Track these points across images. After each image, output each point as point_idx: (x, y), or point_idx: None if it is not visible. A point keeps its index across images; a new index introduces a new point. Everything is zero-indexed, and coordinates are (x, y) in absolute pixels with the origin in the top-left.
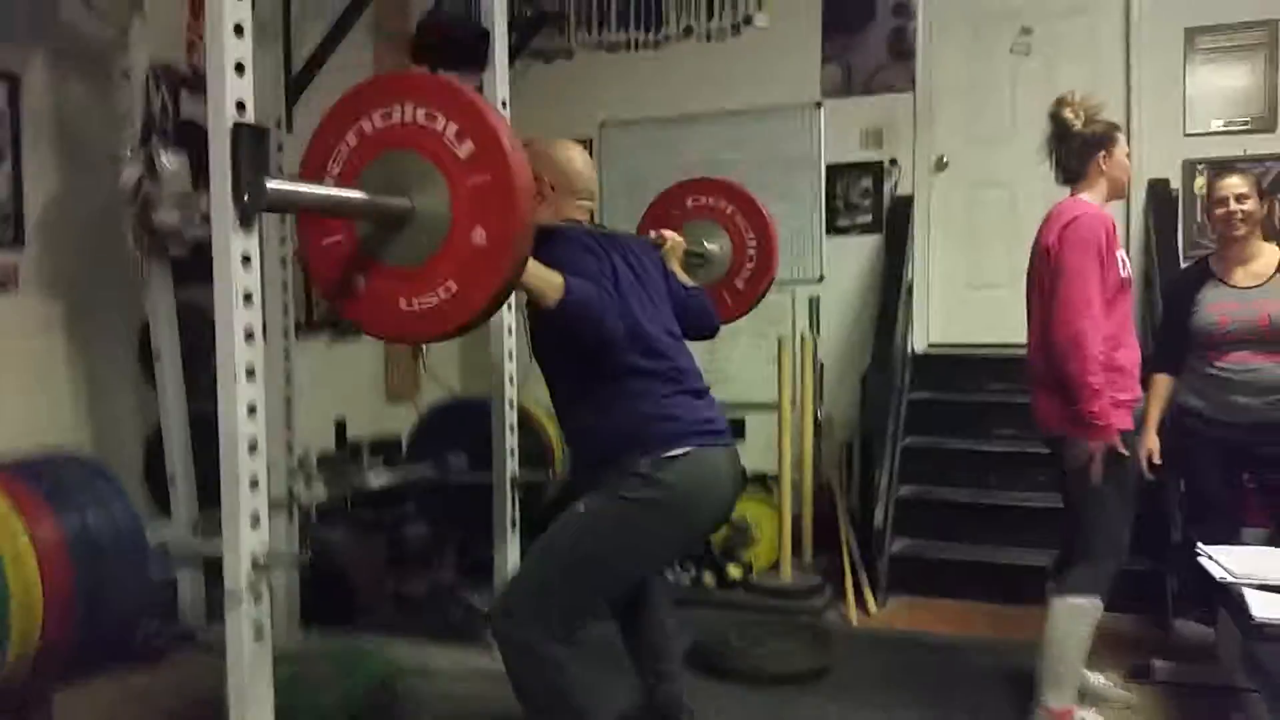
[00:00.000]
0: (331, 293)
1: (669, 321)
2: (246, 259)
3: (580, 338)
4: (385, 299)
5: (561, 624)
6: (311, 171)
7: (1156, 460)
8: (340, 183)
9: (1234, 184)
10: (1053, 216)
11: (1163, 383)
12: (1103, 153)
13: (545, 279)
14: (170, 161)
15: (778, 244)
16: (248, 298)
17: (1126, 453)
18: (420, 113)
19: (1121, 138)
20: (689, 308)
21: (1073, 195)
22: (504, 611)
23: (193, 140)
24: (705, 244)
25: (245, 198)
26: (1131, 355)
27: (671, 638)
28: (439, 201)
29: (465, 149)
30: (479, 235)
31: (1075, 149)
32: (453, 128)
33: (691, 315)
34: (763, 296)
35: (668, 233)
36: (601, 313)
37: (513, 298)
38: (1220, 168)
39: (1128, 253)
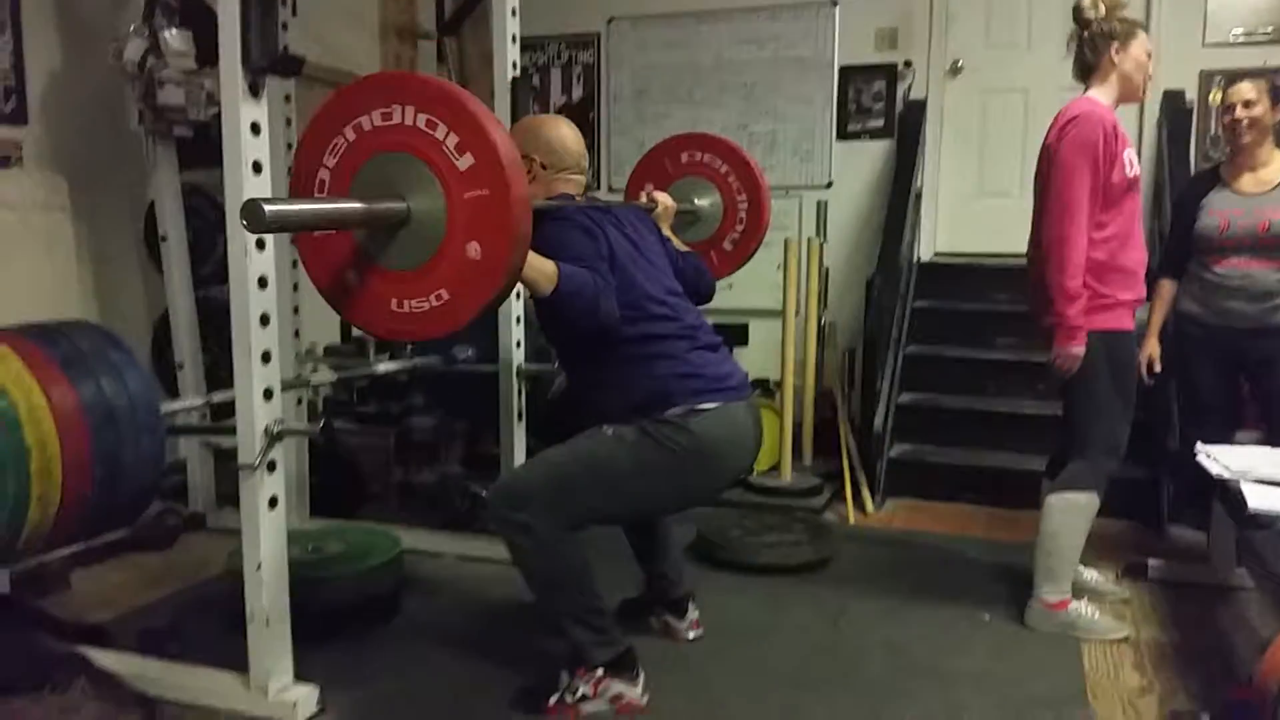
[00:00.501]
0: (325, 289)
1: (671, 282)
2: (255, 127)
3: (577, 326)
4: (378, 299)
5: (567, 523)
6: (306, 160)
7: (1157, 367)
8: (334, 174)
9: (1243, 89)
10: (1058, 115)
11: (1167, 288)
12: (1116, 44)
13: (539, 270)
14: (174, 38)
15: (769, 207)
16: (257, 167)
17: (1125, 353)
18: (422, 118)
19: (1142, 36)
20: (685, 272)
21: (1085, 93)
22: (508, 496)
23: (197, 17)
24: (695, 200)
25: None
26: (1136, 255)
27: (673, 543)
28: (435, 208)
29: (465, 161)
30: (473, 249)
31: (1090, 41)
32: (454, 138)
33: (688, 280)
34: (749, 258)
35: (659, 195)
36: (595, 299)
37: None
38: (1235, 77)
39: (1140, 160)
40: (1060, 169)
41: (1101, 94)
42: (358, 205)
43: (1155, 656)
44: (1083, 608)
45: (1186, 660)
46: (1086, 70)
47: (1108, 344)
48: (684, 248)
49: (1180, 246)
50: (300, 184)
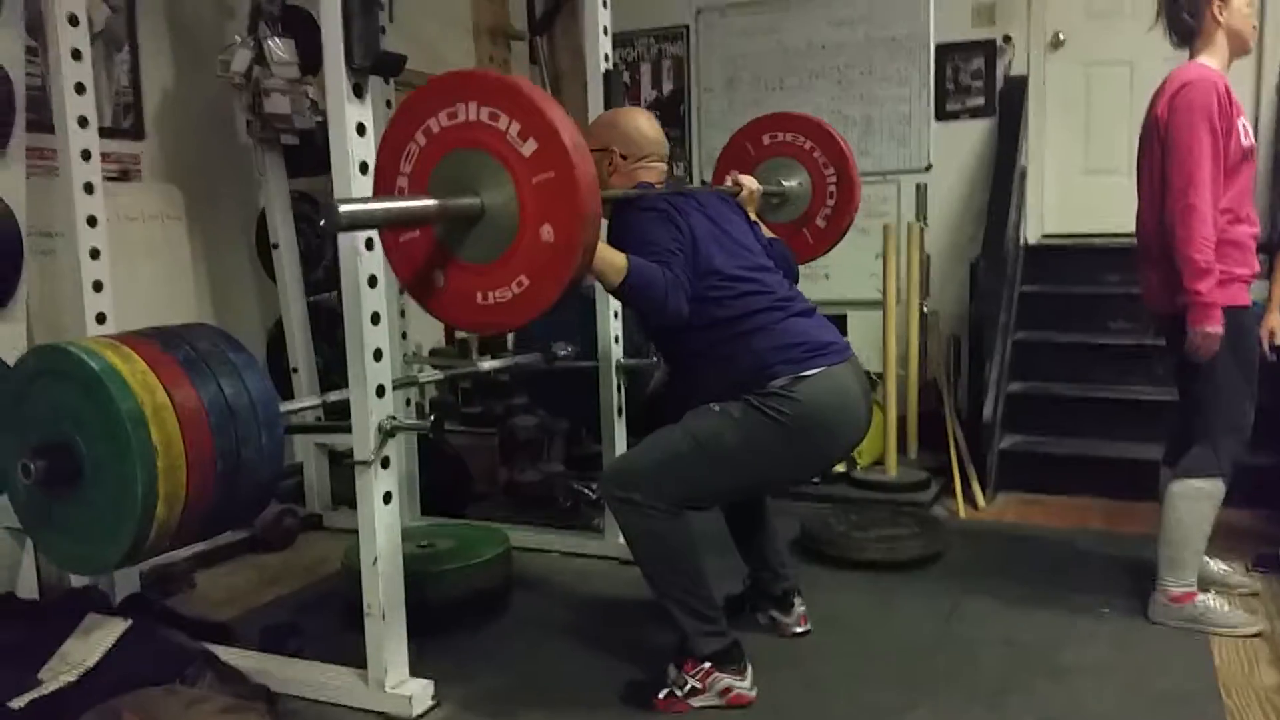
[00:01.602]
0: (412, 288)
1: (761, 258)
2: (361, 128)
3: (646, 318)
4: (463, 293)
5: (678, 499)
6: (384, 169)
7: (1279, 341)
8: (412, 180)
9: None
10: (1165, 84)
11: None
12: (1218, 1)
13: (609, 262)
14: (279, 47)
15: (859, 180)
16: (364, 167)
17: (1243, 330)
18: (484, 112)
19: None
20: (771, 257)
21: (1191, 59)
22: (613, 474)
23: (300, 27)
24: (783, 182)
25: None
26: (1249, 229)
27: (777, 536)
28: (507, 199)
29: (529, 147)
30: (547, 232)
31: (1186, 3)
32: (515, 126)
33: (775, 264)
34: (844, 235)
35: (743, 178)
36: (664, 295)
37: None
38: None
39: (1257, 128)
40: (1178, 138)
41: (1210, 57)
42: (431, 202)
43: None
44: (1211, 600)
45: None
46: (1188, 34)
47: (1226, 320)
48: (769, 234)
49: None
50: (381, 190)
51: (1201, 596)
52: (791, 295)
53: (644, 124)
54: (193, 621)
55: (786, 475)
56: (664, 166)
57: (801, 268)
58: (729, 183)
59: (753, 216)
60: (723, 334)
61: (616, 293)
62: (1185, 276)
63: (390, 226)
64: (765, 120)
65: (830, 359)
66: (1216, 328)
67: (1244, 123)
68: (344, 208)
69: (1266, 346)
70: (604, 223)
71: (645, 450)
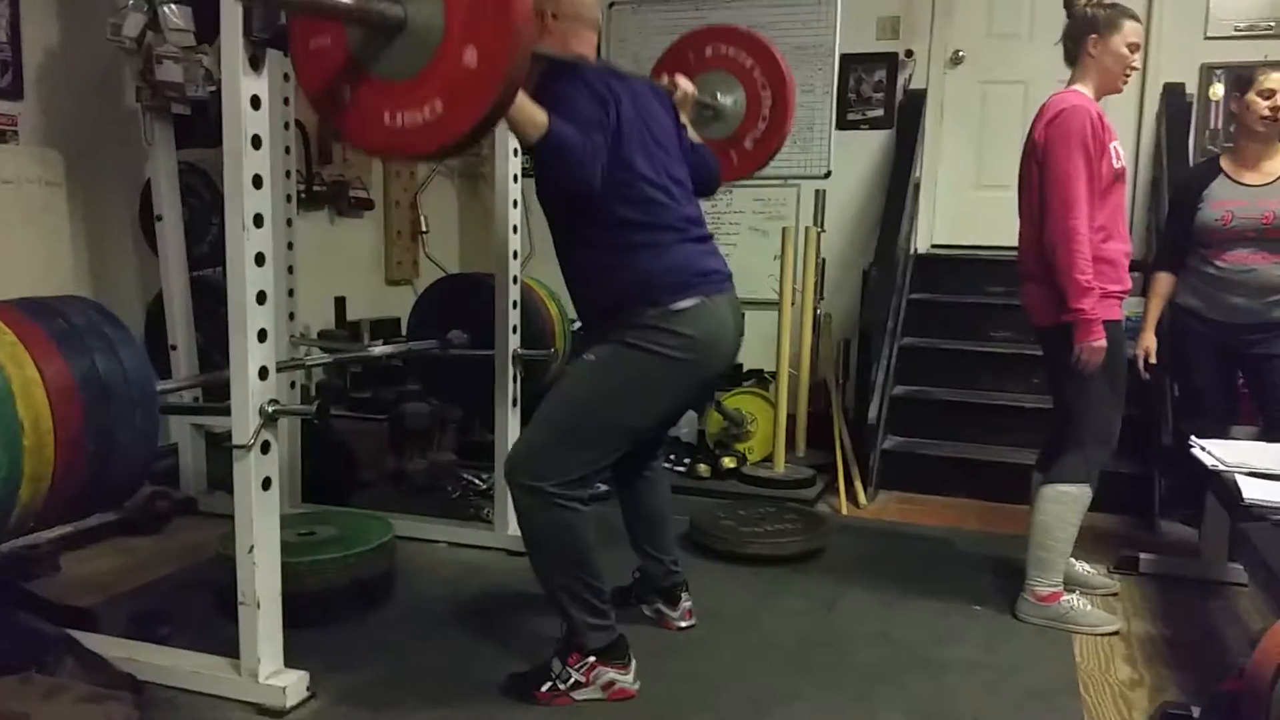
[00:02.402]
0: (318, 100)
1: (676, 169)
2: (256, 101)
3: (556, 183)
4: (371, 111)
5: (573, 471)
6: None
7: (1153, 360)
8: None
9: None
10: (1043, 109)
11: (1164, 281)
12: (1094, 35)
13: (529, 115)
14: (174, 14)
15: (793, 106)
16: (256, 141)
17: (1114, 345)
18: None
19: (1127, 26)
20: (694, 166)
21: (1068, 85)
22: (518, 460)
23: None
24: (719, 96)
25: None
26: (1122, 247)
27: (668, 520)
28: (432, 13)
29: None
30: (470, 55)
31: (1073, 28)
32: None
33: (695, 170)
34: (770, 159)
35: (681, 79)
36: (579, 159)
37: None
38: (1272, 63)
39: (1137, 154)
40: (1055, 164)
41: (1084, 87)
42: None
43: (1147, 650)
44: (1074, 600)
45: (1177, 653)
46: (1070, 59)
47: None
48: (697, 139)
49: (1178, 239)
50: None
51: (1066, 597)
52: (692, 217)
53: None
54: (54, 606)
55: (670, 406)
56: (595, 39)
57: None
58: (664, 80)
59: (683, 120)
60: (617, 239)
61: (532, 150)
62: (1069, 296)
63: (306, 13)
64: (711, 31)
65: (708, 289)
66: (1101, 342)
67: (1116, 146)
68: None
69: (1141, 365)
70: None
71: (538, 426)
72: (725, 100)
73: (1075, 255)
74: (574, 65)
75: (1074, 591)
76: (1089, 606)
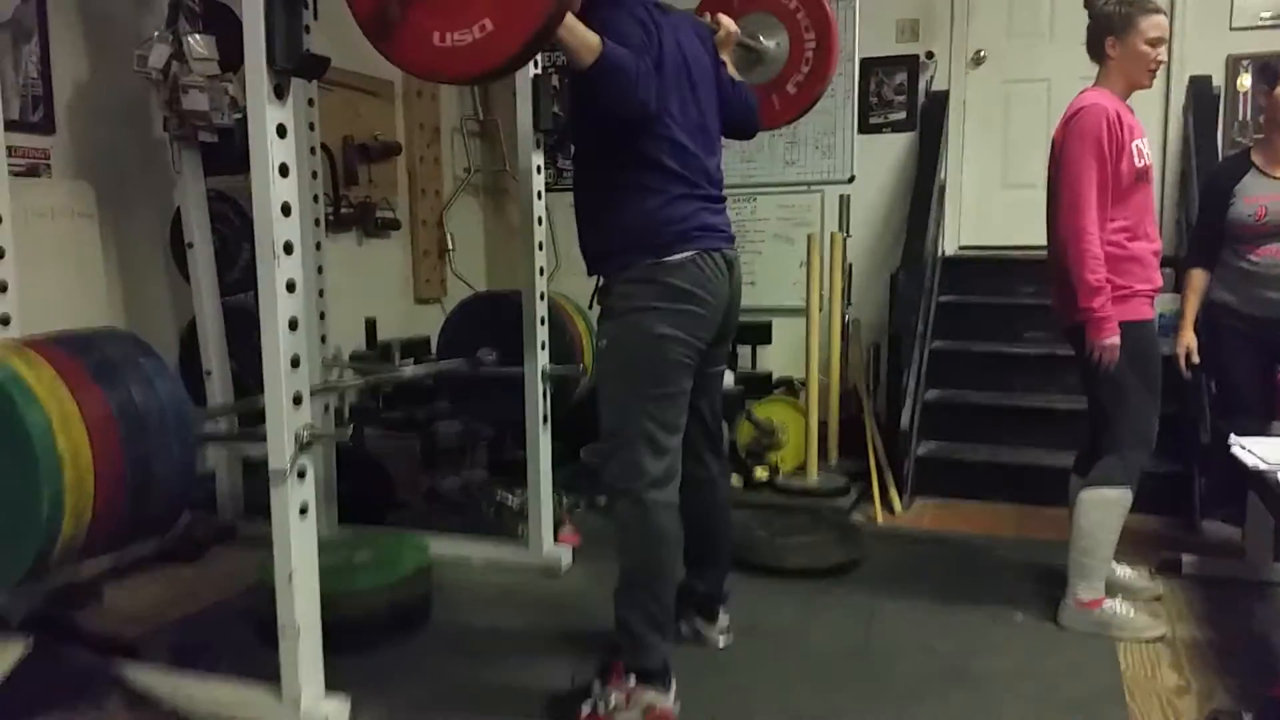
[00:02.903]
0: (369, 24)
1: (708, 116)
2: (282, 129)
3: (610, 107)
4: (420, 32)
5: (649, 452)
6: None
7: (1195, 359)
8: None
9: None
10: (1067, 109)
11: (1199, 277)
12: (1111, 37)
13: (582, 38)
14: (198, 43)
15: (838, 50)
16: (283, 170)
17: (1147, 343)
18: None
19: (1144, 22)
20: (733, 103)
21: (1093, 84)
22: (608, 471)
23: (221, 22)
24: (761, 39)
25: (286, 49)
26: (1150, 245)
27: (727, 535)
28: None
29: None
30: None
31: (1091, 29)
32: None
33: (734, 111)
34: (813, 105)
35: (724, 18)
36: (635, 81)
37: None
38: (1276, 62)
39: (1164, 148)
40: (1067, 163)
41: (1107, 83)
42: None
43: (1192, 655)
44: (1117, 606)
45: (1224, 658)
46: (1094, 57)
47: (1128, 334)
48: (738, 77)
49: (1211, 235)
50: None
51: (1109, 602)
52: (709, 171)
53: None
54: (99, 638)
55: (686, 350)
56: None
57: None
58: (708, 19)
59: (724, 60)
60: (633, 178)
61: (587, 73)
62: (1080, 295)
63: None
64: None
65: (706, 244)
66: (1114, 339)
67: (1139, 144)
68: None
69: (1182, 363)
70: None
71: (604, 432)
72: (768, 43)
73: (1084, 254)
74: None
75: (1116, 596)
76: (1132, 612)
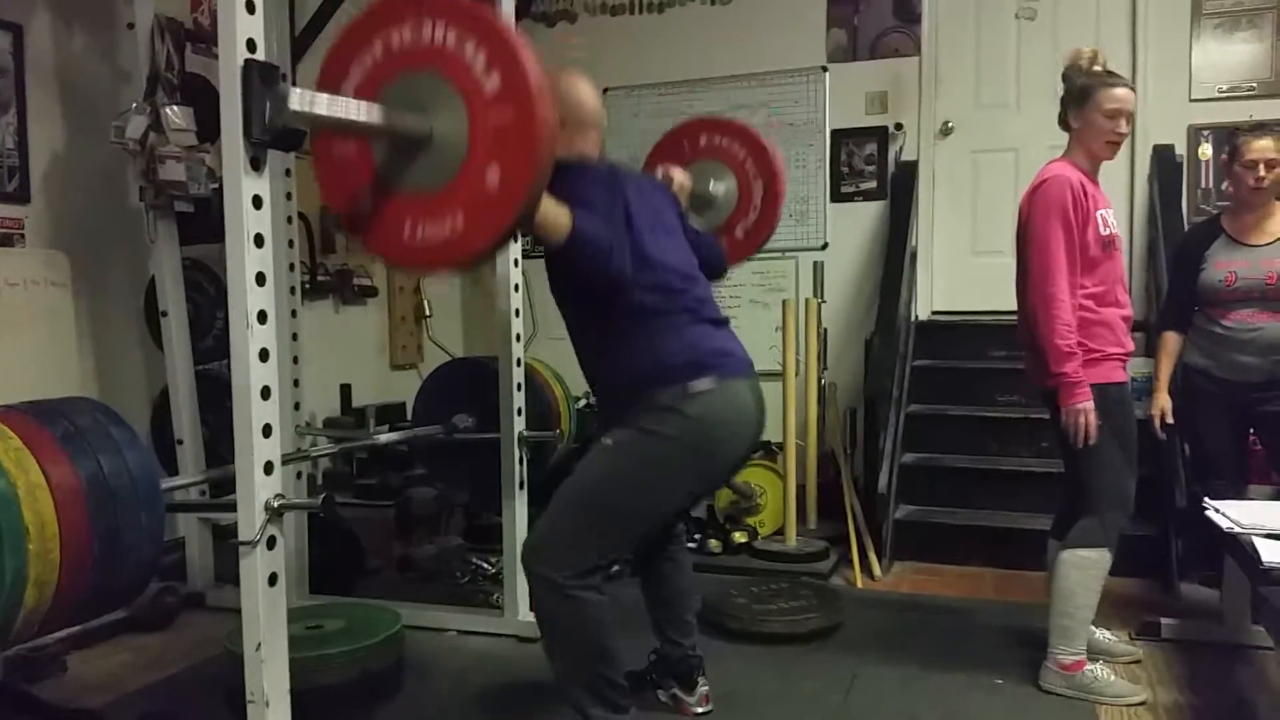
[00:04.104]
0: (342, 210)
1: (684, 253)
2: (258, 201)
3: (588, 276)
4: (393, 224)
5: (588, 560)
6: (333, 71)
7: (1169, 420)
8: (359, 91)
9: (1265, 147)
10: (1033, 180)
11: (1172, 340)
12: (1074, 109)
13: (553, 218)
14: (176, 115)
15: (784, 197)
16: (258, 240)
17: (1121, 406)
18: (451, 34)
19: (1102, 95)
20: (700, 249)
21: (1060, 157)
22: (534, 549)
23: (198, 94)
24: (711, 185)
25: (263, 122)
26: (1120, 311)
27: (691, 603)
28: (457, 130)
29: (492, 82)
30: (493, 173)
31: (1062, 99)
32: (481, 57)
33: (701, 256)
34: (760, 247)
35: (675, 170)
36: (609, 250)
37: (517, 250)
38: (1253, 129)
39: (1131, 216)
40: (1034, 233)
41: (1072, 154)
42: (380, 112)
43: (1174, 719)
44: (1098, 670)
45: None
46: (1062, 126)
47: (1102, 396)
48: (699, 226)
49: (1182, 299)
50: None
51: (1090, 666)
52: (705, 298)
53: (585, 90)
54: (60, 711)
55: (688, 492)
56: (599, 138)
57: None
58: (659, 174)
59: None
60: (630, 324)
61: (560, 250)
62: (1050, 361)
63: (334, 130)
64: (703, 122)
65: (724, 371)
66: (1087, 404)
67: (1104, 214)
68: (294, 100)
69: (1157, 425)
70: None
71: (555, 513)
72: (718, 188)
73: (1055, 320)
74: (579, 164)
75: (1097, 661)
76: (1113, 676)
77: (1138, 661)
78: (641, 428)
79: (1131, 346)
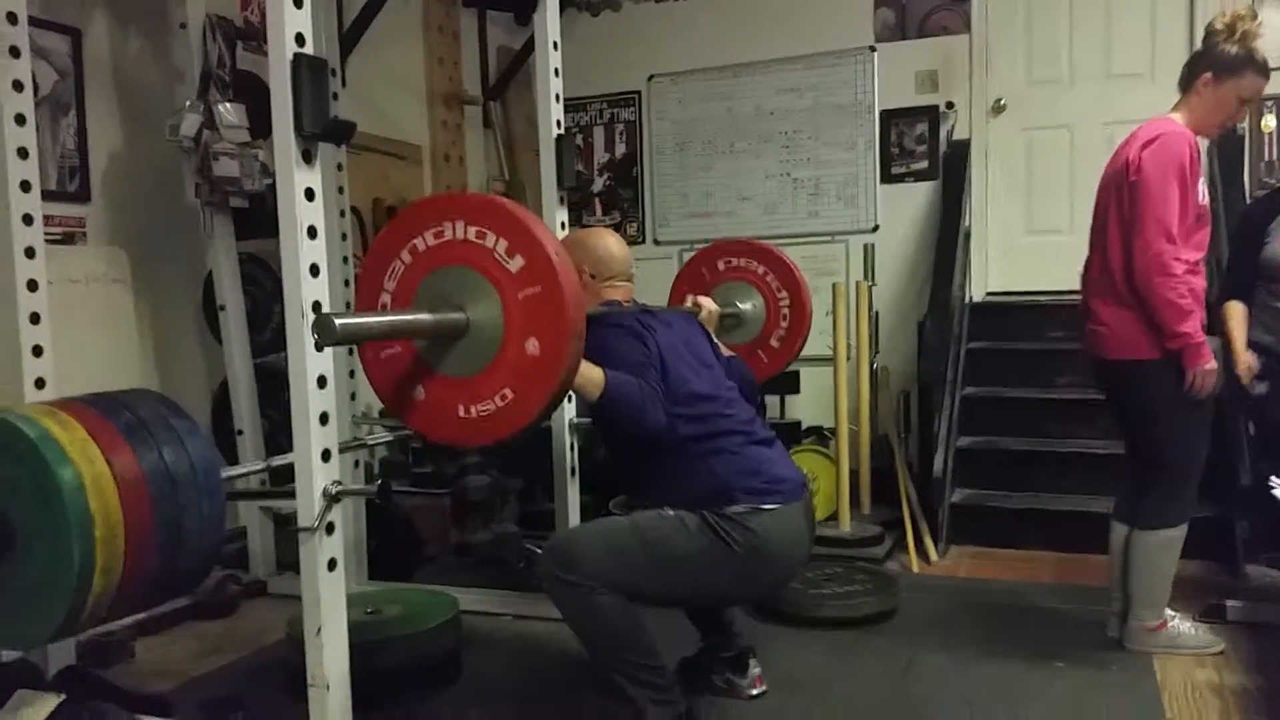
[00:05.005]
0: (392, 402)
1: (723, 380)
2: (310, 193)
3: (624, 430)
4: (444, 407)
5: (619, 592)
6: (367, 285)
7: (1256, 369)
8: (395, 298)
9: None
10: (1138, 132)
11: (1238, 308)
12: (1209, 74)
13: (587, 376)
14: (229, 112)
15: (810, 304)
16: (311, 232)
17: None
18: (471, 230)
19: (1247, 78)
20: (733, 374)
21: (1169, 112)
22: (555, 550)
23: (250, 91)
24: (739, 304)
25: (313, 115)
26: (1199, 283)
27: (727, 613)
28: (492, 314)
29: (515, 263)
30: (532, 345)
31: (1194, 58)
32: (503, 244)
33: (736, 381)
34: (796, 355)
35: (703, 300)
36: (641, 406)
37: None
38: None
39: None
40: (1151, 187)
41: (1181, 116)
42: (424, 316)
43: (1241, 702)
44: (1179, 625)
45: (1275, 704)
46: (1181, 86)
47: (1174, 367)
48: (728, 352)
49: (1245, 272)
50: (364, 307)
51: (1171, 623)
52: (751, 419)
53: (612, 244)
54: (130, 694)
55: (722, 595)
56: (630, 287)
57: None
58: (689, 304)
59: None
60: (685, 453)
61: (595, 406)
62: (1172, 321)
63: (382, 339)
64: (720, 246)
65: (786, 497)
66: (1213, 364)
67: (1203, 183)
68: (340, 321)
69: (1247, 380)
70: None
71: (592, 536)
72: (745, 306)
73: (1171, 278)
74: (609, 313)
75: (1174, 616)
76: (1195, 629)
77: (1220, 653)
78: (707, 520)
79: (1204, 319)
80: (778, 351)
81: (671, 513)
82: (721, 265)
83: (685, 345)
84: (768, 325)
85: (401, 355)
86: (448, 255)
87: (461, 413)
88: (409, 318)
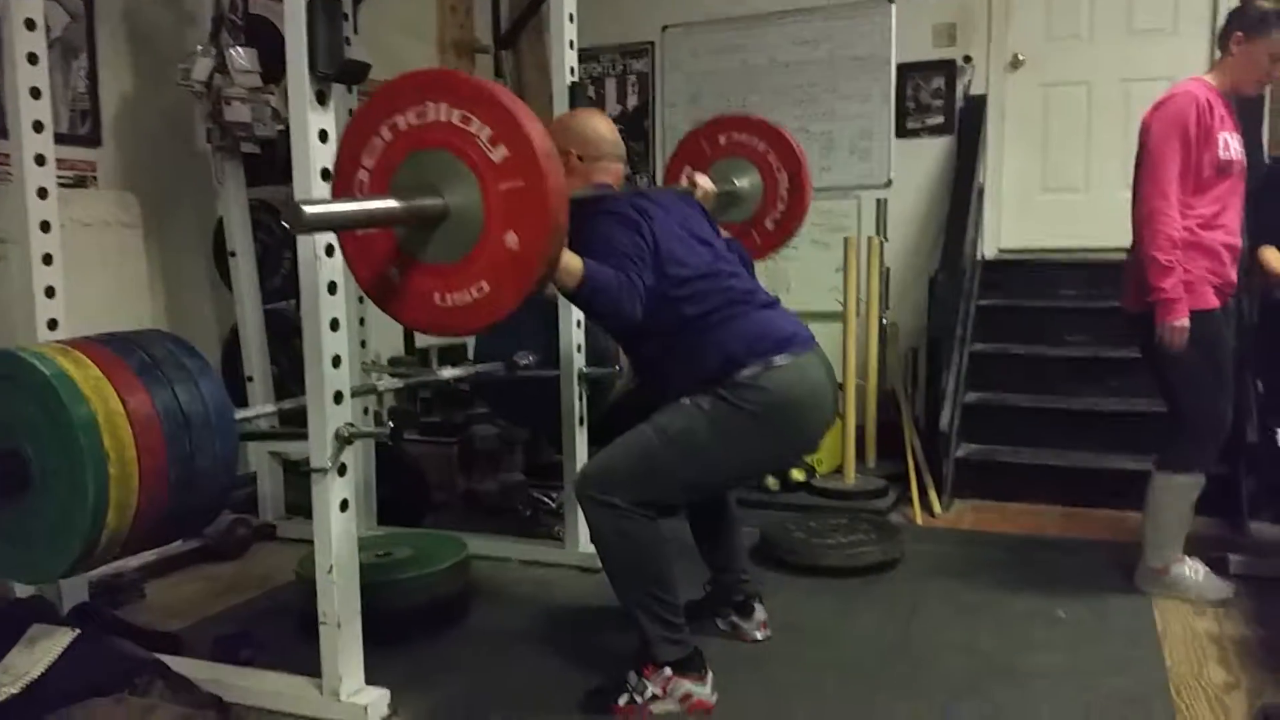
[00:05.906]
0: (369, 287)
1: (724, 255)
2: (324, 135)
3: (601, 321)
4: (421, 294)
5: (655, 498)
6: (344, 163)
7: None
8: (373, 176)
9: None
10: (1162, 94)
11: (1271, 249)
12: (1241, 33)
13: (565, 267)
14: (241, 56)
15: (810, 186)
16: (325, 174)
17: (1213, 333)
18: (455, 114)
19: (1276, 35)
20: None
21: (1205, 73)
22: (590, 478)
23: (262, 36)
24: (735, 181)
25: (327, 55)
26: (1224, 239)
27: (737, 536)
28: (472, 202)
29: (499, 153)
30: (511, 239)
31: (1230, 17)
32: (487, 131)
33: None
34: (791, 237)
35: (700, 178)
36: (617, 299)
37: None
38: None
39: None
40: (1151, 148)
41: (1215, 76)
42: (396, 204)
43: (1241, 652)
44: (1185, 570)
45: (1274, 655)
46: (1220, 45)
47: (1194, 321)
48: (726, 234)
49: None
50: (340, 185)
51: (1178, 567)
52: (753, 288)
53: (600, 125)
54: (142, 631)
55: (756, 466)
56: (620, 168)
57: (762, 279)
58: (684, 181)
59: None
60: (689, 332)
61: (572, 297)
62: (1150, 274)
63: (354, 228)
64: (722, 120)
65: (796, 349)
66: (1183, 322)
67: (1227, 136)
68: (308, 209)
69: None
70: None
71: (618, 450)
72: (742, 184)
73: (1158, 234)
74: (601, 197)
75: (1183, 562)
76: (1201, 575)
77: (1225, 601)
78: (720, 395)
79: (1233, 278)
80: (771, 233)
81: (687, 401)
82: (722, 140)
83: (682, 226)
84: (764, 205)
85: (379, 240)
86: (430, 138)
87: (438, 300)
88: (383, 205)
